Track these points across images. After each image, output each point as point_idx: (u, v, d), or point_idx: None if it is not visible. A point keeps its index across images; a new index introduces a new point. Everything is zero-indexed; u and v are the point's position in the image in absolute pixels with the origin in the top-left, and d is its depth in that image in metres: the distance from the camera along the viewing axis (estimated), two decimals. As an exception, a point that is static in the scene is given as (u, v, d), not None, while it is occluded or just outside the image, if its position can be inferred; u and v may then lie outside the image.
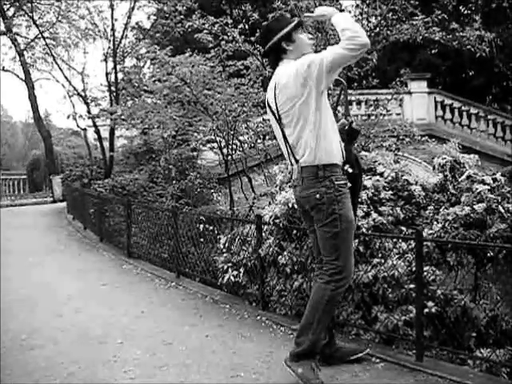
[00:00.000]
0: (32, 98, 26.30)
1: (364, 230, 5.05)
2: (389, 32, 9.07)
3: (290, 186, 5.72)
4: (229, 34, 9.78)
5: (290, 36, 3.88)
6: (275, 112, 3.88)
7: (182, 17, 12.62)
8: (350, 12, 12.61)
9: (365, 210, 5.24)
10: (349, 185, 3.82)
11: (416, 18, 8.94)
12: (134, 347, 4.71)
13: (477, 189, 5.10)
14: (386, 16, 9.01)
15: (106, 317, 5.72)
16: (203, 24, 9.93)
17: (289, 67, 3.77)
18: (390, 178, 5.64)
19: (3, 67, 27.19)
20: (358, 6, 10.51)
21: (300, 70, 3.65)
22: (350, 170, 3.89)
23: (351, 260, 3.84)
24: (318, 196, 3.74)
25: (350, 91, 10.79)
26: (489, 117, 16.70)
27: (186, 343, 4.79)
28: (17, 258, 9.76)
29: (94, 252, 10.37)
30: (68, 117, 21.88)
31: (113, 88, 20.69)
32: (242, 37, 9.61)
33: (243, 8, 9.85)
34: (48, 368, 4.28)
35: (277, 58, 3.95)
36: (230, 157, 11.20)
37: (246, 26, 9.90)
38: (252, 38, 9.63)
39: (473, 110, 16.60)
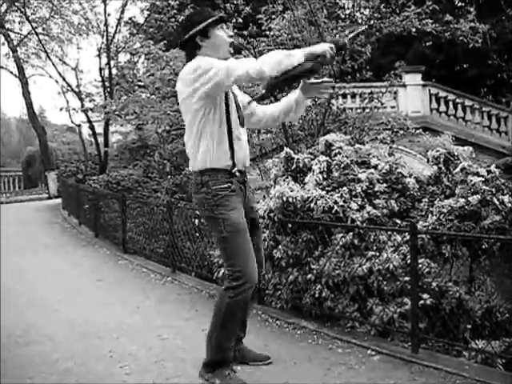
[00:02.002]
0: (26, 95, 26.21)
1: (358, 222, 5.05)
2: (382, 24, 9.07)
3: (283, 180, 5.73)
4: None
5: (207, 31, 3.69)
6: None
7: (175, 11, 12.57)
8: (343, 6, 12.60)
9: (359, 202, 5.25)
10: (232, 187, 3.68)
11: (408, 9, 8.93)
12: (130, 342, 4.70)
13: (471, 181, 5.11)
14: (379, 8, 9.00)
15: (101, 312, 5.71)
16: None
17: (189, 65, 3.62)
18: (384, 171, 5.63)
19: (-4, 63, 27.12)
20: (350, -1, 10.54)
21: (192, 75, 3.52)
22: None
23: (250, 264, 3.63)
24: (200, 202, 3.71)
25: (343, 84, 10.77)
26: (483, 109, 16.70)
27: (181, 338, 4.79)
28: (11, 254, 9.74)
29: (89, 248, 10.36)
30: (61, 109, 21.83)
31: (107, 83, 20.67)
32: (235, 31, 9.58)
33: (235, 2, 9.80)
34: (44, 364, 4.26)
35: (191, 53, 3.74)
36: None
37: (240, 20, 9.86)
38: (245, 32, 9.61)
39: (467, 103, 16.59)
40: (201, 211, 3.81)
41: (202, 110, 3.59)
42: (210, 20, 3.69)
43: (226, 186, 3.65)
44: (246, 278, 3.59)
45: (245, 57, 9.64)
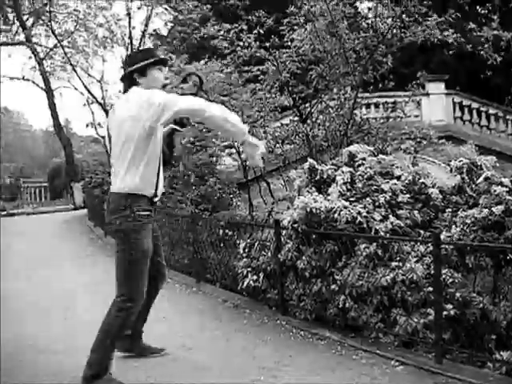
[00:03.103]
0: (52, 107, 26.58)
1: (382, 233, 5.06)
2: (403, 34, 9.07)
3: (307, 191, 5.76)
4: (244, 40, 9.84)
5: (145, 70, 4.11)
6: (108, 133, 4.18)
7: (197, 24, 12.73)
8: (365, 16, 12.61)
9: (383, 213, 5.26)
10: (151, 216, 4.06)
11: (429, 18, 8.91)
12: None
13: (495, 191, 5.08)
14: (400, 17, 9.00)
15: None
16: (218, 31, 9.99)
17: (131, 95, 4.02)
18: (407, 182, 5.65)
19: (23, 76, 27.51)
20: (370, 9, 10.50)
21: (141, 105, 3.87)
22: None
23: (142, 289, 4.00)
24: (118, 222, 3.95)
25: (366, 94, 10.78)
26: (508, 117, 16.57)
27: (206, 348, 4.84)
28: (38, 264, 9.86)
29: (114, 259, 10.43)
30: (87, 125, 22.14)
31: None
32: (258, 42, 9.66)
33: (257, 14, 9.88)
34: (60, 373, 4.31)
35: (129, 86, 4.15)
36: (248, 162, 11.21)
37: (261, 32, 9.94)
38: (267, 44, 9.69)
39: (491, 111, 16.48)
40: (115, 230, 4.05)
41: (146, 139, 3.91)
42: (148, 61, 4.13)
43: (147, 213, 4.00)
44: (138, 302, 4.01)
45: (267, 68, 9.74)
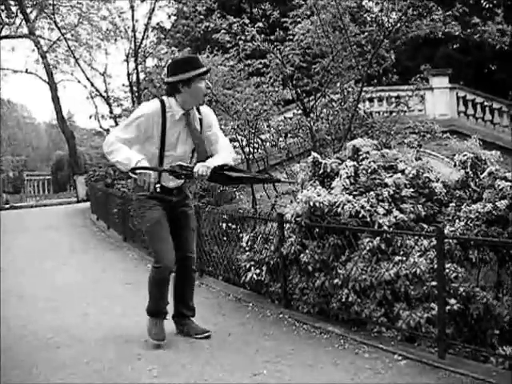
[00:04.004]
0: (55, 100, 26.59)
1: (385, 227, 5.04)
2: (408, 29, 9.03)
3: (311, 185, 5.75)
4: (247, 33, 9.79)
5: (189, 82, 4.39)
6: None
7: (201, 17, 12.66)
8: (369, 10, 12.57)
9: (386, 207, 5.24)
10: (151, 194, 4.56)
11: (436, 13, 8.87)
12: (158, 346, 4.75)
13: (499, 185, 5.07)
14: (406, 11, 8.95)
15: (130, 316, 5.77)
16: (221, 24, 9.95)
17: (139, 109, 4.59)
18: (411, 176, 5.62)
19: (27, 69, 27.52)
20: (378, 3, 10.43)
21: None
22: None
23: (164, 251, 4.60)
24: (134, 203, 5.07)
25: (370, 88, 10.74)
26: None
27: (209, 341, 4.83)
28: (41, 257, 9.88)
29: (117, 251, 10.46)
30: (90, 117, 22.17)
31: (135, 88, 20.84)
32: (262, 36, 9.61)
33: (262, 7, 9.83)
34: (74, 366, 4.33)
35: (171, 93, 4.49)
36: (251, 155, 11.21)
37: (266, 25, 9.89)
38: (272, 37, 9.65)
39: (495, 105, 16.46)
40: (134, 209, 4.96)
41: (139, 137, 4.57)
42: (195, 73, 4.39)
43: (141, 193, 4.64)
44: (161, 262, 4.58)
45: (270, 61, 9.70)
